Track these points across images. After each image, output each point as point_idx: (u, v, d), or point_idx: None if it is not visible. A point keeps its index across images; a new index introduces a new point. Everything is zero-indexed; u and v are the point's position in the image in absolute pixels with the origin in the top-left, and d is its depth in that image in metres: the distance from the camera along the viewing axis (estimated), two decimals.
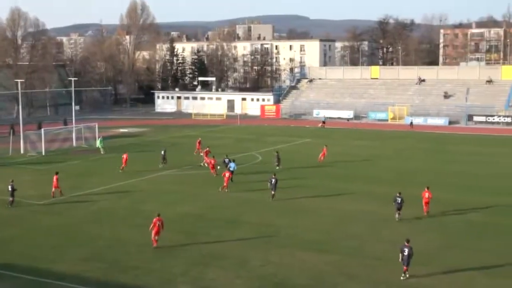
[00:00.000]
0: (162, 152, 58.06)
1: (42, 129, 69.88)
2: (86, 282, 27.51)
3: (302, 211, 40.06)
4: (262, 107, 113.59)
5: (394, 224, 36.65)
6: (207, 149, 58.61)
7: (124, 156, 55.37)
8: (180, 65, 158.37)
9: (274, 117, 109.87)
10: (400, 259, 27.78)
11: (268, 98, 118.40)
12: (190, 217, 38.74)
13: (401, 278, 27.64)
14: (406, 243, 27.97)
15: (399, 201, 37.11)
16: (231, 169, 48.69)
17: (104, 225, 37.09)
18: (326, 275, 28.21)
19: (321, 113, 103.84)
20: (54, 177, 45.04)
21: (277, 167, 54.51)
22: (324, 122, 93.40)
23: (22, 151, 67.64)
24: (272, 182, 43.36)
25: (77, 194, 45.46)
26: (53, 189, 44.83)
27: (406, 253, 27.57)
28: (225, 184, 46.34)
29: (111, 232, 35.50)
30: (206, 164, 55.43)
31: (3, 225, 37.37)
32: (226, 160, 51.86)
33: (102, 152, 65.95)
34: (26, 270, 28.94)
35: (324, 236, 34.44)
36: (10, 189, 42.23)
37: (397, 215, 37.21)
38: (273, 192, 43.28)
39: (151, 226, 32.60)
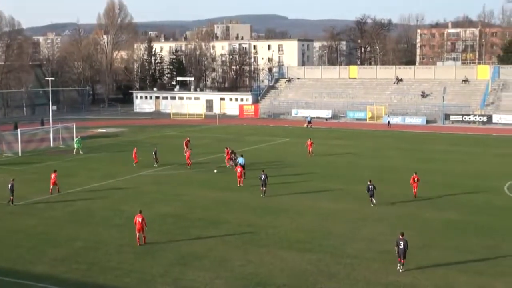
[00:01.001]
0: (154, 152, 58.23)
1: (19, 130, 69.21)
2: (65, 283, 27.25)
3: (283, 210, 40.06)
4: (241, 106, 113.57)
5: (374, 222, 36.81)
6: (227, 149, 57.75)
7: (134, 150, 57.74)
8: (158, 64, 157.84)
9: (252, 116, 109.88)
10: (396, 252, 28.46)
11: (246, 98, 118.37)
12: (169, 217, 38.57)
13: (399, 270, 28.22)
14: (400, 236, 28.61)
15: (371, 188, 40.77)
16: (241, 163, 49.67)
17: (82, 225, 36.78)
18: (306, 274, 28.23)
19: (304, 113, 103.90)
20: (53, 174, 45.90)
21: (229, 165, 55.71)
22: (310, 122, 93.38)
23: None
24: (262, 178, 44.11)
25: (55, 195, 45.02)
26: (51, 186, 45.49)
27: (401, 246, 28.28)
28: (239, 179, 47.75)
29: (89, 232, 35.21)
30: (229, 165, 55.28)
31: None
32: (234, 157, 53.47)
33: (80, 152, 65.38)
34: (4, 272, 28.57)
35: (305, 235, 34.46)
36: (10, 187, 42.26)
37: (373, 201, 40.69)
38: (263, 189, 44.01)
39: (134, 224, 32.99)
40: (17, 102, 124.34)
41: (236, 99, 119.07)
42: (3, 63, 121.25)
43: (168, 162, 58.81)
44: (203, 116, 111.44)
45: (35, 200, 43.65)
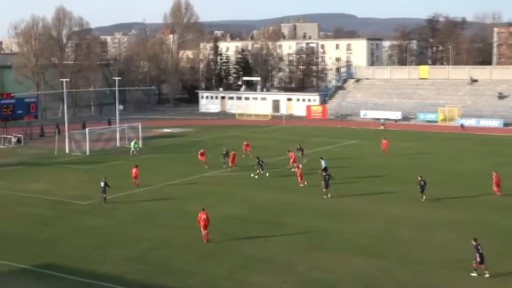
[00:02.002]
0: (224, 152, 58.88)
1: (87, 129, 70.90)
2: (129, 284, 27.73)
3: (349, 214, 39.71)
4: (308, 107, 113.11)
5: (444, 228, 36.03)
6: (290, 152, 57.86)
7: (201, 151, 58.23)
8: (224, 64, 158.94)
9: (320, 117, 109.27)
10: (477, 259, 28.20)
11: (314, 99, 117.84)
12: (233, 219, 38.78)
13: (487, 275, 28.02)
14: (475, 242, 28.68)
15: (422, 184, 43.01)
16: (324, 166, 50.44)
17: (147, 226, 37.39)
18: (374, 281, 27.84)
19: (372, 115, 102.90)
20: (134, 169, 48.90)
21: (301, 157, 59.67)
22: (383, 124, 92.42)
23: (67, 151, 68.86)
24: (326, 179, 44.43)
25: (120, 195, 45.93)
26: (134, 180, 48.58)
27: (481, 251, 28.26)
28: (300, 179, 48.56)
29: (154, 233, 35.76)
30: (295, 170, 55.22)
31: (46, 225, 38.03)
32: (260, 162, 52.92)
33: (135, 153, 65.76)
34: (69, 271, 29.33)
35: (372, 240, 34.04)
36: (102, 185, 43.20)
37: (423, 197, 42.85)
38: (326, 190, 44.39)
39: (198, 221, 33.84)
40: (85, 102, 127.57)
41: (303, 100, 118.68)
42: (72, 62, 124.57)
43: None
44: (269, 117, 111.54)
45: (101, 199, 44.62)
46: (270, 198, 44.65)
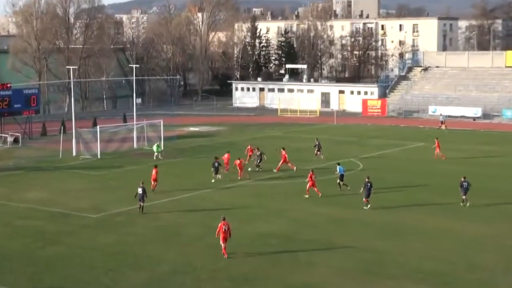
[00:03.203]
0: (258, 153, 59.86)
1: (98, 127, 71.54)
2: None
3: (412, 233, 39.36)
4: (364, 102, 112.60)
5: None
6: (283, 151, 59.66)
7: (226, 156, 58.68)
8: (264, 49, 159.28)
9: (379, 114, 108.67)
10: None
11: (371, 91, 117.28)
12: (273, 237, 38.71)
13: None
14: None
15: (465, 186, 45.18)
16: (341, 172, 51.28)
17: (168, 244, 37.53)
18: None
19: (438, 111, 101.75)
20: (154, 170, 50.56)
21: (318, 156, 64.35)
22: (442, 123, 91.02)
23: (74, 153, 69.63)
24: (367, 187, 45.08)
25: (137, 207, 46.19)
26: (152, 182, 50.08)
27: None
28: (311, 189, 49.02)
29: (176, 253, 35.88)
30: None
31: (48, 242, 38.39)
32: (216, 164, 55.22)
33: (160, 158, 65.57)
34: None
35: (442, 265, 33.67)
36: (140, 191, 44.13)
37: (467, 202, 45.20)
38: (365, 199, 44.93)
39: (217, 232, 34.40)
40: (97, 94, 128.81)
41: (359, 93, 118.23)
42: (81, 46, 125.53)
43: (270, 170, 59.10)
44: (318, 113, 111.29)
45: (114, 212, 44.99)
46: (317, 213, 44.50)
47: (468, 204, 45.17)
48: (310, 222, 42.20)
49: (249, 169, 58.66)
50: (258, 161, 59.37)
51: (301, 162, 60.26)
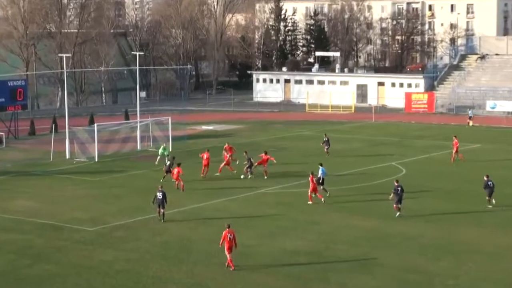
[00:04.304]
0: (247, 158, 60.31)
1: (95, 125, 71.71)
2: None
3: (464, 250, 39.20)
4: (408, 96, 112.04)
5: None
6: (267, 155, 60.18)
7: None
8: (290, 34, 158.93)
9: (425, 110, 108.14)
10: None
11: (416, 83, 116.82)
12: (301, 255, 38.67)
13: None
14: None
15: (490, 185, 47.83)
16: (322, 176, 51.84)
17: (176, 263, 37.57)
18: None
19: (498, 106, 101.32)
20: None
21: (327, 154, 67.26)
22: (470, 118, 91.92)
23: (67, 155, 69.91)
24: (397, 192, 45.83)
25: (141, 219, 46.34)
26: (177, 182, 53.87)
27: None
28: (312, 194, 50.34)
29: (186, 273, 35.93)
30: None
31: (37, 259, 38.47)
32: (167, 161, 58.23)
33: (156, 163, 64.93)
34: None
35: None
36: (159, 196, 45.13)
37: (493, 201, 47.92)
38: (398, 206, 46.03)
39: (221, 242, 35.39)
40: (94, 86, 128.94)
41: (402, 85, 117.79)
42: (76, 31, 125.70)
43: (299, 174, 59.17)
44: (353, 109, 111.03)
45: (114, 224, 45.05)
46: (352, 226, 44.39)
47: (493, 202, 48.00)
48: (342, 237, 42.09)
49: (242, 176, 58.90)
50: (248, 166, 59.33)
51: (339, 167, 60.06)
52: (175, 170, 53.77)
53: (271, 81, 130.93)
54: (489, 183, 48.05)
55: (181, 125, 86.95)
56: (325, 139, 69.07)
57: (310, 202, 49.85)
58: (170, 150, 68.28)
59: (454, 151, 65.79)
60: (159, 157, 65.57)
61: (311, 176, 50.22)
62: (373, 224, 44.78)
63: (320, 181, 51.53)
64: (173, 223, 45.55)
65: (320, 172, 52.17)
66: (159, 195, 45.00)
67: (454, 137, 66.88)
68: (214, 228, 44.17)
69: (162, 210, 45.14)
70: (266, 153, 59.93)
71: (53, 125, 78.15)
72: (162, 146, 66.60)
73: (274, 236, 41.89)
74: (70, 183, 58.75)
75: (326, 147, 68.64)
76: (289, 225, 44.92)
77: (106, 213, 47.59)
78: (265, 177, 58.42)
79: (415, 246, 40.14)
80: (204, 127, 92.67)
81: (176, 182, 53.82)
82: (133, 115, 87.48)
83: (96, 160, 68.04)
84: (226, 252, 35.45)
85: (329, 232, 43.14)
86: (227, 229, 36.06)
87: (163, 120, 77.16)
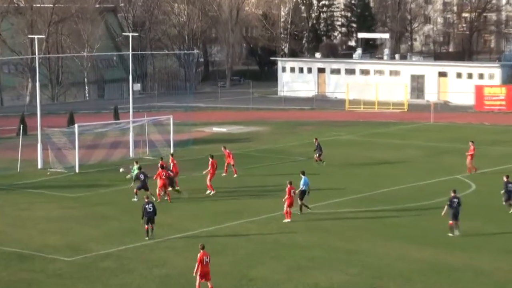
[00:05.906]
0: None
1: (76, 125, 71.84)
2: None
3: None
4: (479, 89, 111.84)
5: None
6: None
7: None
8: (325, 10, 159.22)
9: (502, 109, 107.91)
10: None
11: (490, 74, 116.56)
12: None
13: None
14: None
15: (511, 188, 52.21)
16: (304, 187, 52.95)
17: None
18: None
19: None
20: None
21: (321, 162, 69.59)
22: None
23: (40, 165, 70.23)
24: (454, 205, 46.82)
25: (133, 246, 46.34)
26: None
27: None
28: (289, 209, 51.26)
29: None
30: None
31: None
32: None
33: (128, 177, 62.74)
34: None
35: None
36: (150, 209, 46.19)
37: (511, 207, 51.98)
38: (457, 222, 47.14)
39: (196, 269, 36.01)
40: (75, 77, 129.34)
41: (470, 76, 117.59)
42: (51, 5, 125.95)
43: (336, 190, 59.07)
44: (405, 107, 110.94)
45: (100, 253, 45.03)
46: (406, 256, 44.24)
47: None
48: (395, 271, 41.92)
49: None
50: None
51: (386, 180, 59.89)
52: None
53: (301, 70, 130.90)
54: (509, 185, 52.43)
55: (185, 127, 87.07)
56: (316, 144, 70.13)
57: (287, 220, 50.66)
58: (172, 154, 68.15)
59: (468, 159, 66.61)
60: (129, 175, 62.24)
61: (288, 186, 50.69)
62: (433, 254, 44.56)
63: (300, 194, 52.19)
64: (175, 251, 45.51)
65: (301, 182, 52.76)
66: (149, 207, 45.63)
67: (470, 142, 67.67)
68: (228, 258, 44.17)
69: (152, 226, 45.89)
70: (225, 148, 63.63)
71: (21, 126, 78.22)
72: (136, 167, 62.82)
73: (304, 269, 41.77)
74: (43, 200, 58.78)
75: (317, 153, 69.90)
76: (323, 255, 44.79)
77: (89, 239, 47.50)
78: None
79: (490, 284, 39.93)
80: (215, 129, 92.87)
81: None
82: (124, 114, 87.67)
83: (77, 171, 68.22)
84: (199, 279, 36.05)
85: (377, 265, 42.98)
86: (201, 251, 36.59)
87: (162, 120, 77.30)
